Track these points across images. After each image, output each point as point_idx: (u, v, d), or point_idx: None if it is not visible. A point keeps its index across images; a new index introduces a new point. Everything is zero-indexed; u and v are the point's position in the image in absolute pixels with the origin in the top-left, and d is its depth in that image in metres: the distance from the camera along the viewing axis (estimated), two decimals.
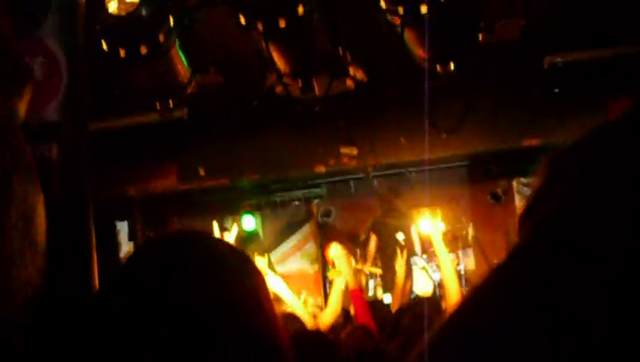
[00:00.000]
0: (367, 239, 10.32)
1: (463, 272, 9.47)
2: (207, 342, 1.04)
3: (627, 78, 6.53)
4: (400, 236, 8.49)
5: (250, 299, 1.14)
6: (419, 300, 6.67)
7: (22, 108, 0.98)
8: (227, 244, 1.30)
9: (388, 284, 8.52)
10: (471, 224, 9.95)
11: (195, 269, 1.13)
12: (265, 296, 1.18)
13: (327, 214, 10.51)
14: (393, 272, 7.83)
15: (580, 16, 6.25)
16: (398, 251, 7.76)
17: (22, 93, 0.99)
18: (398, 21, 4.46)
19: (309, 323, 6.00)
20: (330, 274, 7.09)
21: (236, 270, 1.17)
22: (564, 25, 6.45)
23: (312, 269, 10.18)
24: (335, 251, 6.99)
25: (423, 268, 6.80)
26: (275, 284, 6.24)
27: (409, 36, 4.67)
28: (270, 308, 1.18)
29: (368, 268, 9.42)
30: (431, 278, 6.71)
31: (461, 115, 5.65)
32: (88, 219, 4.20)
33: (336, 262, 6.92)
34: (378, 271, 9.51)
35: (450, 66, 4.74)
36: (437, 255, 6.67)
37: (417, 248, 8.50)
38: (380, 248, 9.05)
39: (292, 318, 5.67)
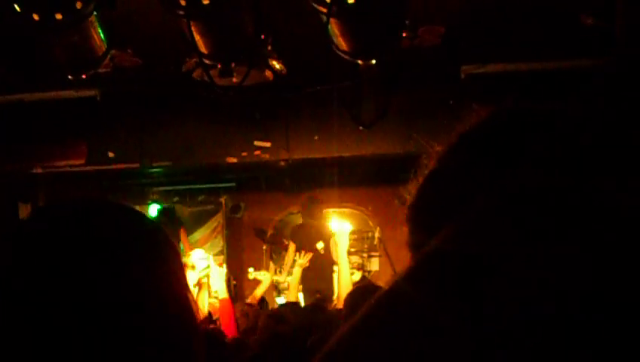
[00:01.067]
0: (278, 242, 10.30)
1: (367, 273, 9.56)
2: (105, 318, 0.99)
3: (540, 93, 6.71)
4: (320, 245, 8.44)
5: (160, 279, 1.08)
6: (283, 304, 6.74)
7: None
8: (141, 216, 1.22)
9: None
10: (377, 227, 10.04)
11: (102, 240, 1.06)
12: (178, 276, 1.13)
13: (236, 208, 10.43)
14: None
15: (497, 30, 6.39)
16: (297, 254, 7.80)
17: None
18: (324, 10, 4.45)
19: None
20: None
21: (149, 247, 1.11)
22: (482, 37, 6.58)
23: (216, 262, 10.07)
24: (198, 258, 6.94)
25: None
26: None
27: (334, 27, 4.66)
28: (183, 290, 1.13)
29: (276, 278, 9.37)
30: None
31: (379, 111, 5.68)
32: None
33: (197, 265, 6.87)
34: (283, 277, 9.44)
35: (371, 62, 4.76)
36: (337, 257, 6.69)
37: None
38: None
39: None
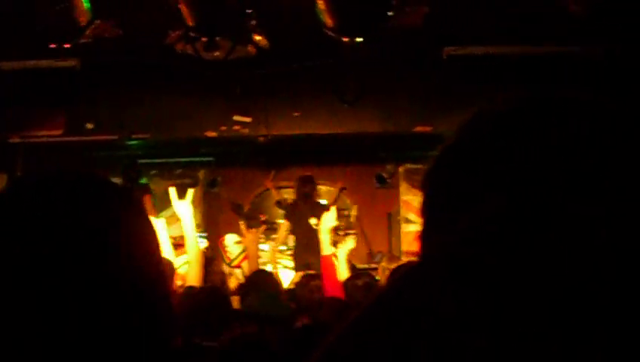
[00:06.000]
0: (255, 217, 10.26)
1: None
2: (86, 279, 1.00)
3: (521, 75, 6.78)
4: (313, 221, 8.45)
5: (131, 244, 1.10)
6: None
7: None
8: (112, 185, 1.23)
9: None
10: (354, 205, 10.07)
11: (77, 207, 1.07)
12: (153, 243, 1.15)
13: (213, 183, 10.40)
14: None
15: (481, 12, 6.41)
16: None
17: None
18: None
19: None
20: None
21: (119, 213, 1.12)
22: (465, 19, 6.60)
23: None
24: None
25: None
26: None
27: (321, 3, 4.65)
28: (158, 256, 1.14)
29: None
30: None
31: (360, 88, 5.68)
32: None
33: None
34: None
35: (357, 40, 4.76)
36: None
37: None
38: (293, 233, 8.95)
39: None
